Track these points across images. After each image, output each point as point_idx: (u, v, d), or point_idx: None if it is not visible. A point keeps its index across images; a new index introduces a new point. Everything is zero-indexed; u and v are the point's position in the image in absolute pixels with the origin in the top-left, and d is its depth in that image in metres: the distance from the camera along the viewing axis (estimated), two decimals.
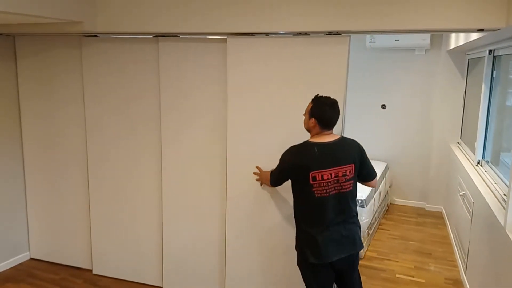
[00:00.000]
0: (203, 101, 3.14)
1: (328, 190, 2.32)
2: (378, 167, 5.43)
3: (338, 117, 2.39)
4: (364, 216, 4.10)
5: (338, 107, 2.38)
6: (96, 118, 3.51)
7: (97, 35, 3.33)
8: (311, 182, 2.29)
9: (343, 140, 2.41)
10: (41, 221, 3.91)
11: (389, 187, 5.77)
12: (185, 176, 3.28)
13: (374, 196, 4.61)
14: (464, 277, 3.66)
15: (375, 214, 4.68)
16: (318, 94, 2.44)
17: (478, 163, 3.91)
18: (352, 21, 2.58)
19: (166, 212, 3.37)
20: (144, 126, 3.37)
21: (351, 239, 2.40)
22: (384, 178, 5.34)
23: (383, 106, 5.81)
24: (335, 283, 2.54)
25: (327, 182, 2.31)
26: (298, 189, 2.38)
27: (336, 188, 2.34)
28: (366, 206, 4.16)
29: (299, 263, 2.50)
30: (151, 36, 3.19)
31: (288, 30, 2.75)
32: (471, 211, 3.53)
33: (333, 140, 2.37)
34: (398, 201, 5.91)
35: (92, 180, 3.61)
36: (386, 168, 5.65)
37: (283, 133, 2.92)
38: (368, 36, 5.51)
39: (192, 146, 3.22)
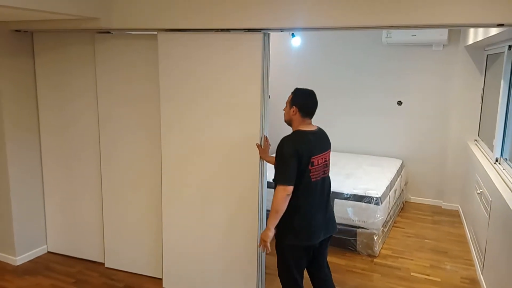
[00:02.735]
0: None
1: (320, 174, 2.55)
2: (394, 164, 5.39)
3: (316, 107, 2.59)
4: (379, 214, 4.06)
5: (316, 98, 2.58)
6: (107, 112, 3.56)
7: (110, 31, 3.37)
8: (310, 167, 2.47)
9: (320, 129, 2.66)
10: (58, 215, 3.98)
11: (405, 184, 5.71)
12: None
13: (389, 194, 4.57)
14: (481, 276, 3.61)
15: (390, 212, 4.64)
16: (297, 87, 2.62)
17: (497, 160, 3.84)
18: (350, 16, 2.57)
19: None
20: (150, 120, 3.42)
21: (333, 220, 2.69)
22: (400, 176, 5.29)
23: (399, 103, 5.75)
24: (311, 265, 2.73)
25: (319, 167, 2.54)
26: (298, 177, 2.47)
27: (324, 172, 2.60)
28: (381, 203, 4.12)
29: (285, 250, 2.57)
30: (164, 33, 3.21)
31: (209, 27, 2.92)
32: (488, 209, 3.47)
33: (316, 129, 2.61)
34: (414, 199, 5.85)
35: (104, 174, 3.67)
36: (402, 165, 5.59)
37: (212, 127, 3.11)
38: (384, 32, 5.45)
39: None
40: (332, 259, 4.02)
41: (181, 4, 2.95)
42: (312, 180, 2.50)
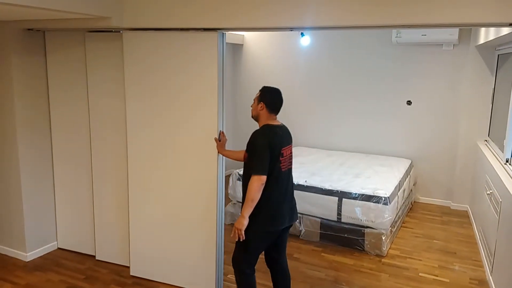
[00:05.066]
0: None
1: (287, 165, 2.76)
2: (403, 164, 5.37)
3: (282, 104, 2.78)
4: (387, 214, 4.05)
5: (282, 96, 2.78)
6: (100, 110, 3.64)
7: (104, 30, 3.44)
8: (280, 158, 2.67)
9: (283, 124, 2.85)
10: (68, 212, 4.02)
11: (414, 184, 5.69)
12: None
13: (398, 194, 4.55)
14: (490, 277, 3.58)
15: (398, 212, 4.63)
16: (264, 86, 2.82)
17: (507, 161, 3.81)
18: (357, 15, 2.55)
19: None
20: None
21: (295, 209, 2.90)
22: (409, 176, 5.26)
23: (409, 102, 5.72)
24: (273, 250, 2.91)
25: (287, 158, 2.75)
26: (270, 167, 2.64)
27: (290, 163, 2.81)
28: (390, 203, 4.11)
29: (253, 235, 2.68)
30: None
31: (168, 26, 3.05)
32: (498, 210, 3.45)
33: (281, 124, 2.81)
34: (423, 199, 5.82)
35: (94, 170, 3.78)
36: (411, 166, 5.57)
37: (173, 122, 3.25)
38: (394, 31, 5.43)
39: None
40: (340, 259, 4.02)
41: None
42: (282, 170, 2.70)
